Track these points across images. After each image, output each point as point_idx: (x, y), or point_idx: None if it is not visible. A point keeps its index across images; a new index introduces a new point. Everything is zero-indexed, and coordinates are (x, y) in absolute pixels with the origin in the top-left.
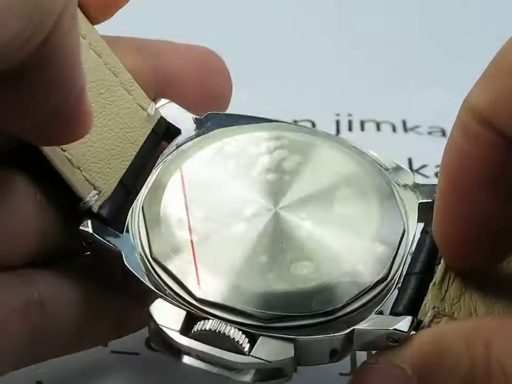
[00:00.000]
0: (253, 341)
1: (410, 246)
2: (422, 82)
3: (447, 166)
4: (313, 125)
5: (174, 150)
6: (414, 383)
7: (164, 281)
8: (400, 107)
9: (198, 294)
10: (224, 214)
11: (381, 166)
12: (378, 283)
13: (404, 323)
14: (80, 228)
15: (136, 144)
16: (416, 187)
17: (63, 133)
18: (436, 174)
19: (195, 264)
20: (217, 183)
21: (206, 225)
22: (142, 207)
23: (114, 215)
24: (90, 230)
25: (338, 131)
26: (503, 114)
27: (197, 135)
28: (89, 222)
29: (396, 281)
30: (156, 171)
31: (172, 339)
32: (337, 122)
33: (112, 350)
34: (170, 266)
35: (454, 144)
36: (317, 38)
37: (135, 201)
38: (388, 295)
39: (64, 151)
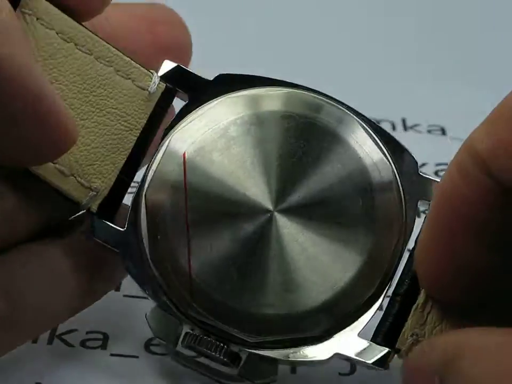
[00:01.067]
0: (239, 356)
1: (400, 261)
2: (422, 80)
3: (440, 201)
4: None
5: (178, 125)
6: None
7: (160, 286)
8: (399, 105)
9: (191, 309)
10: (223, 216)
11: (386, 151)
12: (364, 305)
13: (381, 358)
14: (81, 230)
15: (136, 129)
16: (419, 179)
17: (41, 150)
18: (436, 173)
19: (190, 276)
20: (220, 175)
21: (204, 231)
22: (145, 198)
23: (115, 210)
24: (91, 232)
25: None
26: (502, 162)
27: (204, 102)
28: (89, 223)
29: (381, 302)
30: (159, 153)
31: (168, 348)
32: None
33: (111, 353)
34: (165, 275)
35: (449, 180)
36: (315, 35)
37: (139, 188)
38: (371, 317)
39: (55, 163)
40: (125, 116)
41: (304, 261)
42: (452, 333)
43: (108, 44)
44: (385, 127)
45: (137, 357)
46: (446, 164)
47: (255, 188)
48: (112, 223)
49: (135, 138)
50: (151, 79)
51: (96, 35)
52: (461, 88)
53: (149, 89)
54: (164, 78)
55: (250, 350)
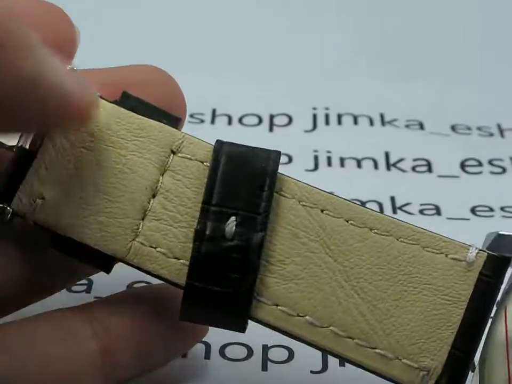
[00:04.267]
0: None
1: None
2: (400, 75)
3: None
4: (290, 118)
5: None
6: None
7: None
8: (377, 100)
9: None
10: None
11: None
12: None
13: None
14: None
15: (460, 301)
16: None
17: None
18: (413, 168)
19: None
20: None
21: None
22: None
23: None
24: None
25: (315, 125)
26: None
27: None
28: None
29: None
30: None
31: None
32: (314, 116)
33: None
34: None
35: None
36: (294, 30)
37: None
38: None
39: (374, 348)
40: (444, 290)
41: None
42: None
43: (408, 223)
44: (363, 122)
45: None
46: (423, 159)
47: None
48: None
49: (462, 311)
50: (468, 250)
51: (392, 217)
52: (440, 83)
53: (467, 259)
54: (489, 249)
55: None
